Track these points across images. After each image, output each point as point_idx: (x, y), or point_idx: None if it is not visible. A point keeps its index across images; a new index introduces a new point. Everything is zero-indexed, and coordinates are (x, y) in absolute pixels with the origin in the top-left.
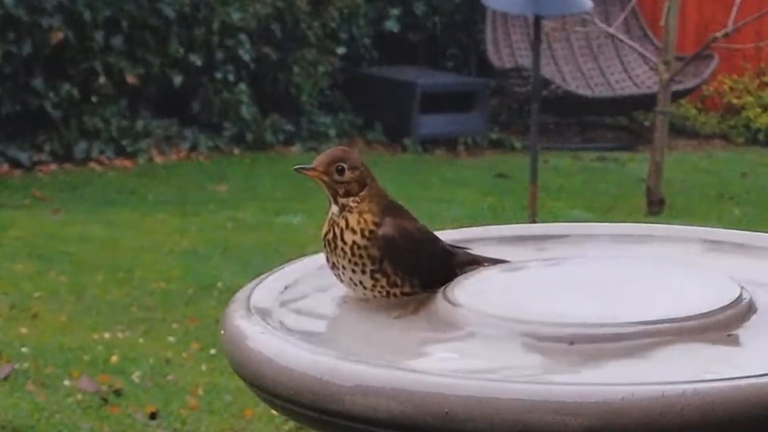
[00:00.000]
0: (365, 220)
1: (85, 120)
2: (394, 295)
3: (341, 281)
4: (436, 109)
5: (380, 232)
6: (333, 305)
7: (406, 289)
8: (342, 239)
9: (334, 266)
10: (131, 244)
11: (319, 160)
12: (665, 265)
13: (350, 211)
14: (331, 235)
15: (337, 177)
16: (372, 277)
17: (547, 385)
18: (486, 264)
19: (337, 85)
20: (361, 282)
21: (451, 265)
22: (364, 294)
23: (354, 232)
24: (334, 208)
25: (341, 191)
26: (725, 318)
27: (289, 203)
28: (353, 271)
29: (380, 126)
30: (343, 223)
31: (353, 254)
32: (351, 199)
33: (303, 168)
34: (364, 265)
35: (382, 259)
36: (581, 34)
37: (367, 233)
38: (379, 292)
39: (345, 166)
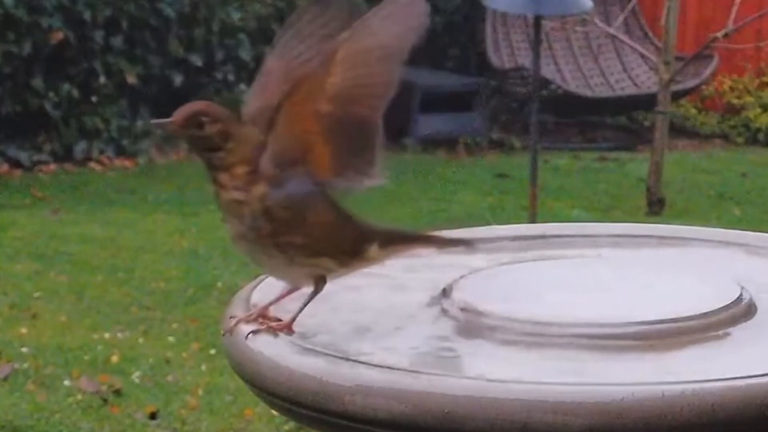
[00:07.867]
0: (236, 175)
1: (85, 120)
2: (277, 244)
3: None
4: (436, 109)
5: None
6: (333, 305)
7: (297, 240)
8: (220, 198)
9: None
10: (131, 244)
11: (177, 112)
12: (665, 265)
13: (218, 170)
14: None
15: (196, 131)
16: (253, 227)
17: (547, 385)
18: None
19: None
20: (244, 235)
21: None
22: (251, 246)
23: (227, 189)
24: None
25: (201, 146)
26: (725, 318)
27: None
28: (238, 223)
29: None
30: (217, 185)
31: (229, 208)
32: (216, 155)
33: (160, 122)
34: (242, 216)
35: (265, 211)
36: (581, 34)
37: (241, 186)
38: (264, 240)
39: (205, 119)
